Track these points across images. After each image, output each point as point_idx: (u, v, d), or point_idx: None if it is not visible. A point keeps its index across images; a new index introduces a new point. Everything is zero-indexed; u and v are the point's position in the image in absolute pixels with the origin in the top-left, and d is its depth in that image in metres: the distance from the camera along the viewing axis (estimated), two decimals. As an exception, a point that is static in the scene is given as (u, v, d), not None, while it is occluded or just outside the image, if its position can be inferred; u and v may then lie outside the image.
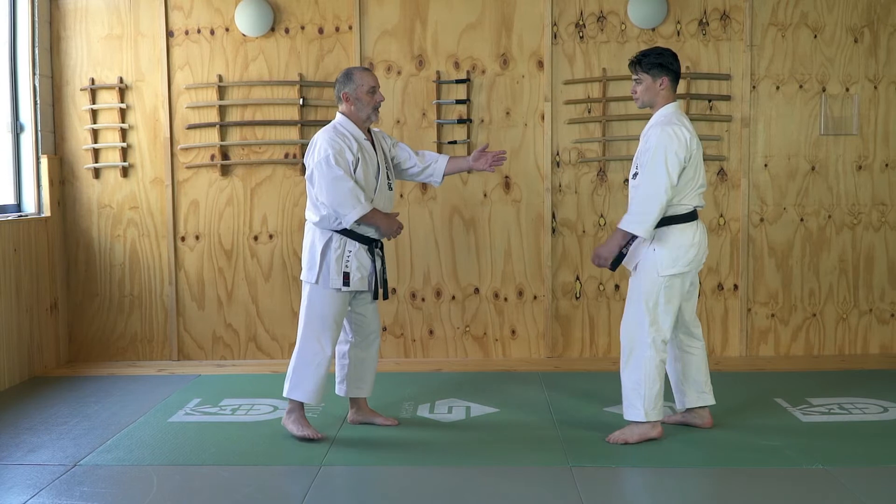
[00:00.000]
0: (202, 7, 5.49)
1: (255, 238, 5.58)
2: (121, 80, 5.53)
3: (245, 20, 5.42)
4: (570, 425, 4.08)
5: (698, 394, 3.99)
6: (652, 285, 3.78)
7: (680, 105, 3.89)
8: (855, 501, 3.18)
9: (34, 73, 5.36)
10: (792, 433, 3.96)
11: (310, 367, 3.90)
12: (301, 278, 3.98)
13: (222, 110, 5.52)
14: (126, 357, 5.65)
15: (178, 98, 5.53)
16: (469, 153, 5.44)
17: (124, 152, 5.56)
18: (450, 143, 5.44)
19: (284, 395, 3.97)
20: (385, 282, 4.02)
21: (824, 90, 5.44)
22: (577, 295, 5.53)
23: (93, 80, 5.53)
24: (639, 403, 3.79)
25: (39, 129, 5.39)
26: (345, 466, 3.63)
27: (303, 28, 5.48)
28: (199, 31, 5.51)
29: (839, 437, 3.91)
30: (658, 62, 3.81)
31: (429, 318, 5.59)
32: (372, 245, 3.94)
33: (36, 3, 5.34)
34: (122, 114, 5.55)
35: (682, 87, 5.38)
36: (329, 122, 4.04)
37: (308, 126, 5.47)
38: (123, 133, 5.55)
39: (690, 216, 3.79)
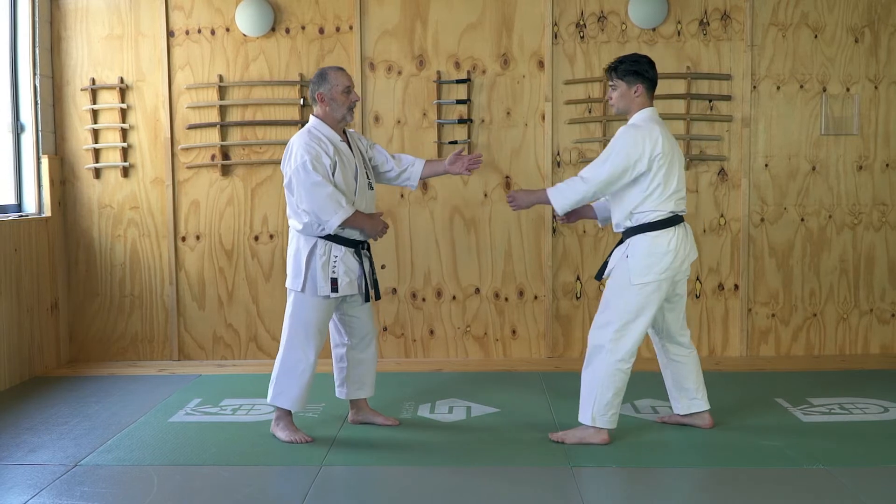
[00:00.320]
0: (203, 7, 5.50)
1: (256, 238, 5.58)
2: (121, 80, 5.53)
3: (245, 20, 5.42)
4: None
5: (689, 401, 3.98)
6: (623, 293, 3.76)
7: (655, 111, 3.85)
8: (856, 502, 3.18)
9: (35, 73, 5.36)
10: (792, 433, 3.96)
11: (293, 375, 3.88)
12: (286, 286, 3.95)
13: (223, 110, 5.52)
14: (126, 357, 5.65)
15: (178, 98, 5.54)
16: (470, 153, 5.45)
17: (125, 152, 5.57)
18: (450, 142, 5.44)
19: (268, 402, 3.97)
20: (375, 282, 3.98)
21: (825, 90, 5.44)
22: (578, 295, 5.53)
23: (93, 80, 5.54)
24: (588, 407, 3.79)
25: (40, 129, 5.39)
26: (345, 467, 3.63)
27: (303, 28, 5.49)
28: (199, 31, 5.51)
29: (840, 437, 3.91)
30: (633, 69, 3.80)
31: (429, 318, 5.59)
32: (358, 247, 3.91)
33: (37, 3, 5.35)
34: (123, 114, 5.55)
35: (682, 87, 5.40)
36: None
37: (308, 126, 5.47)
38: (124, 133, 5.55)
39: (666, 223, 3.75)
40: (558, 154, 5.47)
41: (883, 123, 5.47)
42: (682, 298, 3.92)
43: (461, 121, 5.43)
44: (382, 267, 5.54)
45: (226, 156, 5.55)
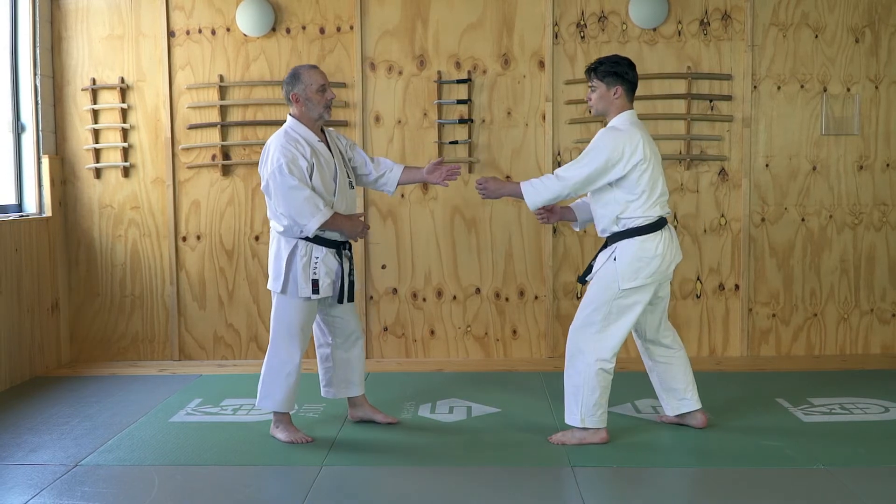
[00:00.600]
0: (203, 7, 5.50)
1: (257, 238, 5.58)
2: (122, 80, 5.53)
3: (246, 20, 5.42)
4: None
5: (678, 401, 3.97)
6: (608, 295, 3.75)
7: (635, 114, 3.82)
8: (856, 502, 3.18)
9: (35, 73, 5.36)
10: (793, 433, 3.95)
11: (279, 377, 3.87)
12: (268, 288, 3.93)
13: (223, 110, 5.52)
14: (127, 357, 5.65)
15: (179, 98, 5.54)
16: (470, 153, 5.45)
17: (125, 152, 5.57)
18: (451, 142, 5.44)
19: (257, 405, 3.96)
20: (352, 284, 3.93)
21: (825, 90, 5.44)
22: (579, 295, 5.53)
23: (94, 80, 5.54)
24: (576, 409, 3.79)
25: (41, 129, 5.39)
26: (346, 467, 3.63)
27: (304, 28, 5.49)
28: (200, 31, 5.51)
29: (840, 437, 3.91)
30: (613, 70, 3.77)
31: (430, 318, 5.59)
32: (340, 248, 3.89)
33: (37, 3, 5.35)
34: (124, 114, 5.55)
35: (683, 87, 5.40)
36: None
37: (309, 126, 5.47)
38: (125, 133, 5.56)
39: (652, 227, 3.74)
40: (559, 154, 5.47)
41: (883, 123, 5.47)
42: (663, 301, 3.91)
43: (462, 121, 5.43)
44: (383, 267, 5.55)
45: (226, 156, 5.55)
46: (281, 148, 3.74)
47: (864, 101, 5.45)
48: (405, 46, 5.48)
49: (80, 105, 5.56)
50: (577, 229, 4.28)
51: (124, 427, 4.15)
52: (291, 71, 3.92)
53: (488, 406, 4.48)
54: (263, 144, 5.44)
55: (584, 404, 3.76)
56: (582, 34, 5.44)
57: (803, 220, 5.51)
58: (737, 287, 5.52)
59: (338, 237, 3.88)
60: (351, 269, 3.94)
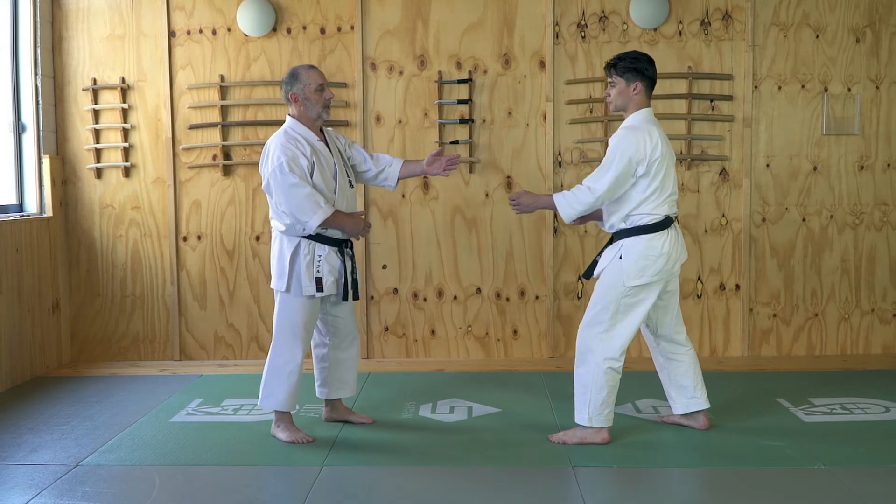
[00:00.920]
0: (204, 7, 5.50)
1: (257, 238, 5.58)
2: (123, 80, 5.54)
3: (247, 20, 5.42)
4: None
5: (687, 399, 3.97)
6: (615, 293, 3.76)
7: (652, 112, 3.85)
8: (857, 502, 3.18)
9: (36, 73, 5.36)
10: (794, 433, 3.95)
11: (282, 376, 3.88)
12: (271, 287, 3.95)
13: (224, 110, 5.52)
14: (128, 357, 5.65)
15: (179, 98, 5.54)
16: (471, 153, 5.45)
17: (126, 152, 5.57)
18: (451, 142, 5.44)
19: (259, 405, 3.97)
20: (355, 282, 3.96)
21: (826, 90, 5.44)
22: (579, 295, 5.53)
23: (95, 80, 5.54)
24: (584, 408, 3.80)
25: (41, 129, 5.39)
26: (346, 467, 3.63)
27: (304, 28, 5.49)
28: (200, 31, 5.51)
29: (841, 437, 3.91)
30: (633, 66, 3.78)
31: (430, 318, 5.59)
32: (341, 246, 3.91)
33: (38, 3, 5.35)
34: (124, 114, 5.55)
35: (683, 87, 5.40)
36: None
37: (310, 126, 5.47)
38: (125, 133, 5.56)
39: (659, 226, 3.76)
40: (559, 154, 5.47)
41: (884, 123, 5.47)
42: (673, 296, 3.92)
43: (462, 121, 5.43)
44: (384, 267, 5.55)
45: (227, 156, 5.55)
46: (281, 147, 3.76)
47: (865, 101, 5.45)
48: (406, 46, 5.48)
49: (80, 105, 5.56)
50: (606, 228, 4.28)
51: (125, 427, 4.16)
52: (290, 71, 3.93)
53: (489, 406, 4.48)
54: (264, 144, 5.50)
55: (591, 403, 3.77)
56: (583, 34, 5.44)
57: (804, 220, 5.51)
58: (737, 287, 5.52)
59: (339, 235, 3.89)
60: (353, 267, 3.96)
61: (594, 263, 3.92)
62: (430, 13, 5.47)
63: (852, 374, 5.05)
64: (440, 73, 5.46)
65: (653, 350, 4.05)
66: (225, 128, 5.53)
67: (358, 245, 5.34)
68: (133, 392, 4.82)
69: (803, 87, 5.44)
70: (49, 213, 5.43)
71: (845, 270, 5.54)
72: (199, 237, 5.60)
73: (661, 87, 5.40)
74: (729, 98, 5.42)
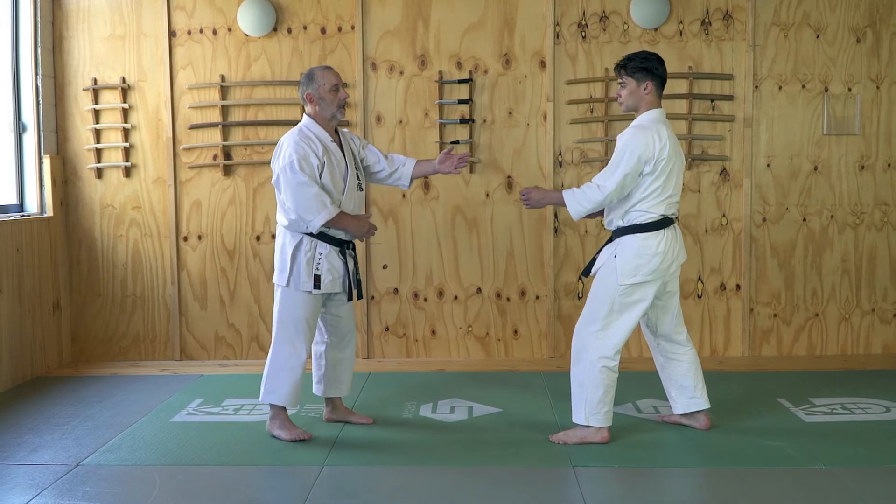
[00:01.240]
0: (204, 7, 5.50)
1: (258, 238, 5.58)
2: (123, 80, 5.54)
3: (247, 20, 5.42)
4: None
5: (688, 399, 3.97)
6: (610, 292, 3.77)
7: (663, 112, 3.85)
8: (857, 502, 3.18)
9: (37, 73, 5.37)
10: (794, 433, 3.95)
11: (284, 371, 3.89)
12: (273, 281, 3.98)
13: (225, 110, 5.52)
14: (128, 357, 5.66)
15: (180, 98, 5.54)
16: (471, 153, 5.45)
17: (127, 152, 5.57)
18: (452, 142, 5.44)
19: (261, 400, 3.97)
20: (359, 282, 4.01)
21: (827, 90, 5.44)
22: (580, 295, 5.53)
23: (95, 80, 5.54)
24: (581, 407, 3.80)
25: (42, 129, 5.39)
26: (347, 467, 3.63)
27: (305, 28, 5.49)
28: (201, 31, 5.51)
29: (842, 437, 3.91)
30: (643, 66, 3.79)
31: (431, 318, 5.59)
32: (343, 246, 3.93)
33: (38, 3, 5.35)
34: (125, 114, 5.55)
35: (684, 87, 5.39)
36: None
37: (310, 126, 5.47)
38: (126, 133, 5.56)
39: (656, 225, 3.76)
40: (560, 154, 5.47)
41: (885, 123, 5.47)
42: (673, 296, 3.92)
43: (463, 121, 5.43)
44: (384, 267, 5.55)
45: (228, 156, 5.55)
46: (294, 144, 3.81)
47: (866, 100, 5.45)
48: (406, 46, 5.48)
49: (81, 105, 5.56)
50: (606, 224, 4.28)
51: (125, 427, 4.16)
52: (307, 72, 3.99)
53: (490, 406, 4.48)
54: (265, 144, 5.51)
55: (588, 402, 3.77)
56: (583, 34, 5.44)
57: (804, 220, 5.51)
58: (738, 287, 5.52)
59: (342, 236, 3.92)
60: (356, 268, 4.00)
61: (593, 261, 3.93)
62: (430, 13, 5.47)
63: (853, 374, 5.05)
64: (441, 73, 5.46)
65: (653, 350, 4.06)
66: (225, 128, 5.53)
67: (359, 245, 5.34)
68: (134, 392, 4.82)
69: (804, 87, 5.44)
70: (50, 213, 5.43)
71: (846, 270, 5.54)
72: (199, 237, 5.60)
73: (661, 87, 5.42)
74: (729, 98, 5.42)
